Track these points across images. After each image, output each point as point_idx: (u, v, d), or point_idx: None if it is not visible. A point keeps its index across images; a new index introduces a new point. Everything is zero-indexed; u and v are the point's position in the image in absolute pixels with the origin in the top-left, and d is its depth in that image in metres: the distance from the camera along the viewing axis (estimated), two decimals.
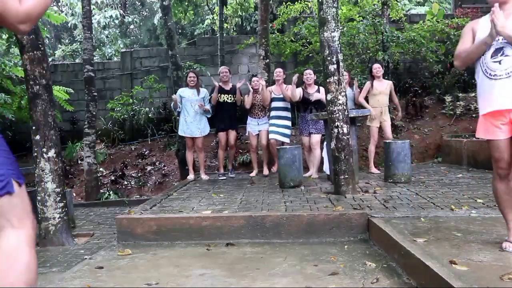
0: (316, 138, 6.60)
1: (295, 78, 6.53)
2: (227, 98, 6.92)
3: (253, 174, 7.14)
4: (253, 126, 7.03)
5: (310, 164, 6.84)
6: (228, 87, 6.98)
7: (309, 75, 6.77)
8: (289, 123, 6.95)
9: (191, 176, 6.97)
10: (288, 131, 6.91)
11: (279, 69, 7.05)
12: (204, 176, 6.99)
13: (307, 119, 6.60)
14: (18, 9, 1.33)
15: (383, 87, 6.67)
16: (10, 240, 1.36)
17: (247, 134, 7.38)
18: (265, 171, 7.13)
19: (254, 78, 7.22)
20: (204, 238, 3.86)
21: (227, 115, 6.93)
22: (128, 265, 3.28)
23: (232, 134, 7.01)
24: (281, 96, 6.82)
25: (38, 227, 4.38)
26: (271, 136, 6.91)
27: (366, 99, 6.76)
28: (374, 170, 6.81)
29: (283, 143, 6.82)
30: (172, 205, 4.67)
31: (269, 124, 7.00)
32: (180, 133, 6.93)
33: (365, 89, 6.76)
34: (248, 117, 7.13)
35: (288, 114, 6.94)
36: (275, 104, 6.91)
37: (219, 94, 6.86)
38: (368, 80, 7.07)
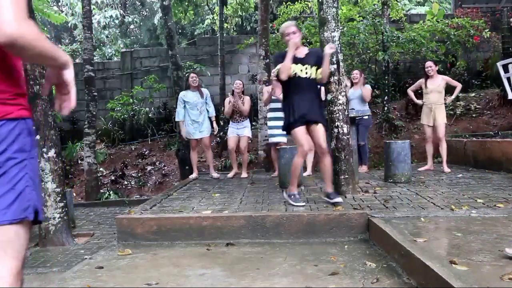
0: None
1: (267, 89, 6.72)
2: (302, 71, 4.30)
3: (230, 175, 7.00)
4: (233, 129, 6.95)
5: (308, 163, 6.84)
6: (302, 54, 4.35)
7: None
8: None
9: (194, 175, 7.00)
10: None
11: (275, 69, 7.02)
12: (215, 174, 6.99)
13: None
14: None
15: (435, 85, 6.49)
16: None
17: (227, 137, 7.35)
18: (244, 174, 7.01)
19: (237, 81, 7.03)
20: (204, 238, 3.86)
21: (306, 99, 4.29)
22: (128, 265, 3.28)
23: (320, 130, 4.33)
24: (279, 97, 6.80)
25: (38, 227, 4.37)
26: (271, 139, 6.90)
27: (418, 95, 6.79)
28: (446, 169, 6.44)
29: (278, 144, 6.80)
30: (172, 205, 4.67)
31: (268, 127, 7.00)
32: (187, 135, 6.86)
33: (416, 84, 6.81)
34: (230, 121, 7.06)
35: None
36: (273, 105, 6.84)
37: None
38: (368, 80, 7.07)
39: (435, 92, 6.50)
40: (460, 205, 3.96)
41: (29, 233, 1.30)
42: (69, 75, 1.37)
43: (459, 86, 6.61)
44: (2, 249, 1.22)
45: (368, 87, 7.07)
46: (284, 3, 11.98)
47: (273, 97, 6.78)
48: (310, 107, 4.27)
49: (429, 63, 6.63)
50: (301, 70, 4.30)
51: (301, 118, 4.26)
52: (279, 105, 6.81)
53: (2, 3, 1.11)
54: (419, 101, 6.85)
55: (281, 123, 6.75)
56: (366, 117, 6.83)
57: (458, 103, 9.61)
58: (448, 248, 2.73)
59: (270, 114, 6.93)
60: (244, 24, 16.00)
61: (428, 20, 10.27)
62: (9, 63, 1.28)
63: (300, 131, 4.26)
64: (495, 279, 2.14)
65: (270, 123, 6.93)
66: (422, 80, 6.74)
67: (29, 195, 1.27)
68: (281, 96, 6.66)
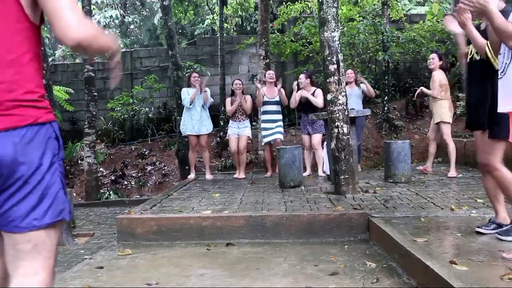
0: (317, 138, 6.62)
1: (260, 87, 6.79)
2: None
3: (237, 175, 6.92)
4: (233, 129, 6.91)
5: (306, 163, 6.85)
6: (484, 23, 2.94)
7: (300, 79, 6.85)
8: (281, 123, 6.95)
9: (192, 176, 7.01)
10: (281, 129, 6.90)
11: (271, 71, 7.10)
12: (208, 176, 6.99)
13: (304, 118, 6.71)
14: (71, 26, 1.21)
15: (432, 79, 6.09)
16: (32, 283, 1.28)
17: (227, 137, 7.33)
18: (242, 175, 6.93)
19: (236, 81, 7.04)
20: (204, 238, 3.86)
21: (475, 92, 3.01)
22: (128, 265, 3.28)
23: (483, 141, 2.97)
24: (274, 99, 6.82)
25: None
26: (265, 140, 6.94)
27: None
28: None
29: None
30: (172, 205, 4.67)
31: (262, 128, 7.02)
32: (186, 131, 6.86)
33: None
34: (230, 120, 7.04)
35: (280, 117, 6.94)
36: (267, 107, 6.87)
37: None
38: (368, 80, 7.01)
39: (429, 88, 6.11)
40: (460, 205, 3.95)
41: (59, 232, 1.36)
42: (116, 59, 1.50)
43: (433, 92, 6.00)
44: (36, 251, 1.28)
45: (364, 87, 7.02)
46: (284, 3, 11.97)
47: (265, 99, 6.83)
48: (476, 105, 2.94)
49: (432, 55, 6.19)
50: (476, 52, 2.92)
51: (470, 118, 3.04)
52: (273, 107, 6.86)
53: (63, 10, 1.21)
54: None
55: (274, 124, 6.86)
56: (362, 117, 6.76)
57: (458, 103, 9.60)
58: (448, 248, 2.73)
59: (263, 117, 6.97)
60: (244, 24, 15.98)
61: (428, 20, 10.25)
62: (39, 63, 1.31)
63: (475, 136, 3.07)
64: (495, 279, 2.14)
65: (263, 125, 6.98)
66: None
67: (63, 198, 1.33)
68: (276, 98, 6.74)
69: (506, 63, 2.45)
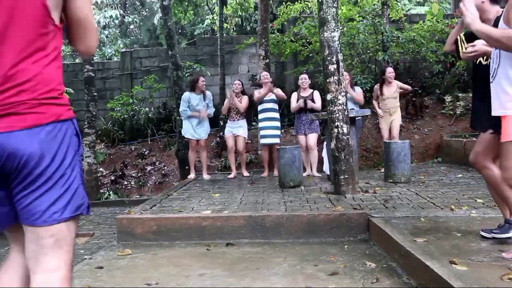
0: (312, 138, 6.64)
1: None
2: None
3: (231, 176, 6.95)
4: (228, 128, 6.99)
5: (306, 163, 6.86)
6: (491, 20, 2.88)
7: (304, 79, 6.82)
8: (278, 123, 6.98)
9: (191, 176, 7.04)
10: (278, 132, 6.94)
11: (265, 73, 7.18)
12: (206, 176, 7.01)
13: (302, 119, 6.69)
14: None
15: (391, 91, 6.78)
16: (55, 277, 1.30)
17: (224, 136, 7.41)
18: (245, 173, 7.10)
19: (236, 82, 7.11)
20: (204, 238, 3.86)
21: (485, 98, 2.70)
22: (128, 265, 3.28)
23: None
24: (269, 98, 6.86)
25: None
26: (262, 141, 6.99)
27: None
28: None
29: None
30: (172, 205, 4.67)
31: (259, 128, 7.07)
32: (187, 135, 6.96)
33: (375, 93, 7.01)
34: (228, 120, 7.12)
35: (277, 115, 6.98)
36: (264, 106, 6.91)
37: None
38: (369, 81, 7.09)
39: (391, 98, 6.81)
40: (460, 205, 3.96)
41: (77, 227, 1.40)
42: None
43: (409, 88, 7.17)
44: (58, 245, 1.31)
45: (359, 90, 7.04)
46: (284, 3, 11.96)
47: (264, 98, 6.87)
48: (487, 109, 2.59)
49: (390, 69, 6.93)
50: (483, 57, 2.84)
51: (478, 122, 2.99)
52: (269, 105, 6.87)
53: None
54: (379, 110, 7.03)
55: (272, 123, 6.88)
56: (359, 118, 6.80)
57: (458, 103, 9.60)
58: (448, 248, 2.73)
59: (261, 115, 6.98)
60: (244, 24, 15.98)
61: (428, 20, 10.25)
62: (60, 61, 1.37)
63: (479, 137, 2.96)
64: (495, 279, 2.14)
65: (260, 124, 7.00)
66: (377, 87, 7.03)
67: (82, 193, 1.38)
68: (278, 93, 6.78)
69: (495, 68, 2.48)
